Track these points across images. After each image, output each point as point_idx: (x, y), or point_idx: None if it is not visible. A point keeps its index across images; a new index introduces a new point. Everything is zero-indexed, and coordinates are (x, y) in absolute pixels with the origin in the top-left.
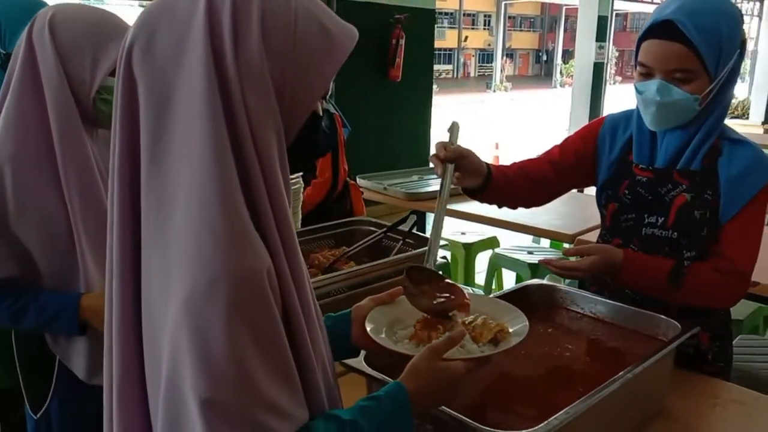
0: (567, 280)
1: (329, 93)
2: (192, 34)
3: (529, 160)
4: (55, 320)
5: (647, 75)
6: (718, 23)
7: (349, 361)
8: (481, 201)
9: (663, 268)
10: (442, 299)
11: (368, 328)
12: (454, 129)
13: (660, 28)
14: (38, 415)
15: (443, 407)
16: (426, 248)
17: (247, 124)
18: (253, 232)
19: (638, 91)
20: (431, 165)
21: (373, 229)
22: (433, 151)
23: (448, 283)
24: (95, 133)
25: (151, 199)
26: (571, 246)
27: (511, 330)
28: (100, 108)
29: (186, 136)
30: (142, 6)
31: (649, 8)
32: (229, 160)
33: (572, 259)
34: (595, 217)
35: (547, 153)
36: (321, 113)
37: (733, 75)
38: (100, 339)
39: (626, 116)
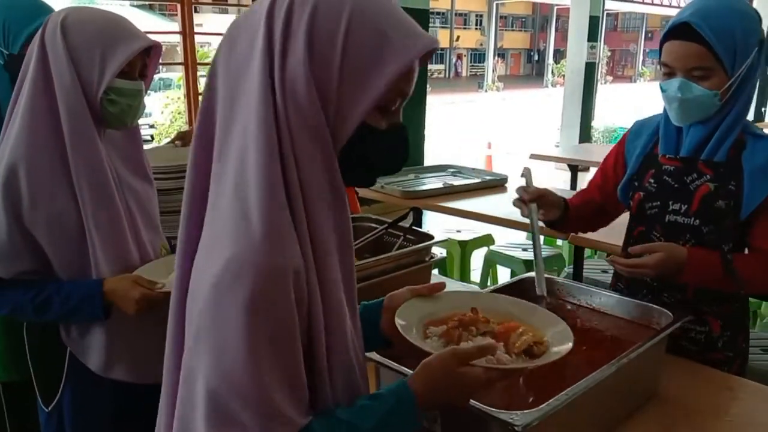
0: (563, 272)
1: (401, 103)
2: (256, 41)
3: (586, 189)
4: (80, 307)
5: (670, 74)
6: (732, 23)
7: None
8: (561, 231)
9: (719, 263)
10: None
11: (397, 321)
12: (527, 174)
13: (678, 30)
14: (50, 408)
15: None
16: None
17: (288, 131)
18: (288, 231)
19: (662, 90)
20: (515, 207)
21: (374, 225)
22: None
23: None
24: (103, 132)
25: (213, 187)
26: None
27: (550, 344)
28: (107, 108)
29: (243, 134)
30: (134, 6)
31: (640, 8)
32: (275, 160)
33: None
34: None
35: (593, 179)
36: (384, 126)
37: (752, 71)
38: (116, 333)
39: (653, 118)
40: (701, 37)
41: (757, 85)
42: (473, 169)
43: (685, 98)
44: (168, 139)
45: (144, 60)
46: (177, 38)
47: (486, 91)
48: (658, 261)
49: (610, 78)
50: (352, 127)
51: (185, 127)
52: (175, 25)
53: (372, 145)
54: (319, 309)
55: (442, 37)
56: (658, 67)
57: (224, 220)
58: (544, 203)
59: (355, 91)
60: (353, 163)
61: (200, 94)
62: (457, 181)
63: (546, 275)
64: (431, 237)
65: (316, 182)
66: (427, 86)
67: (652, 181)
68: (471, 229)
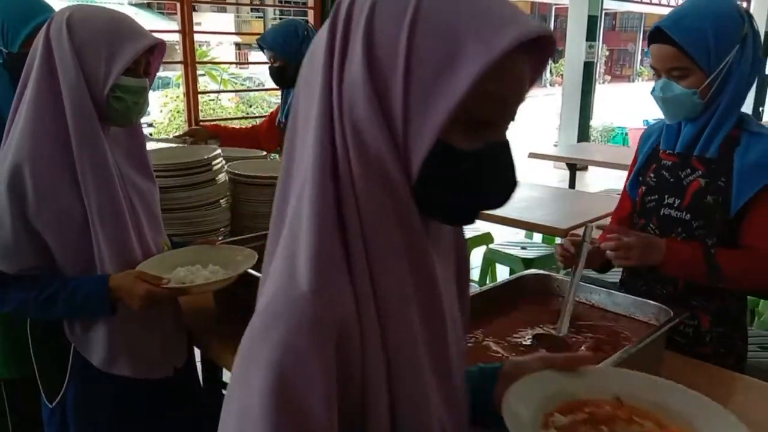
0: (562, 271)
1: (503, 115)
2: (322, 52)
3: (620, 207)
4: (85, 304)
5: (657, 76)
6: (703, 24)
7: None
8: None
9: (700, 255)
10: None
11: (504, 400)
12: (587, 231)
13: (655, 34)
14: (54, 404)
15: None
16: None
17: (344, 150)
18: (339, 280)
19: (652, 90)
20: (558, 259)
21: None
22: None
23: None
24: (107, 129)
25: (284, 207)
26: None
27: None
28: (114, 105)
29: (305, 152)
30: (132, 4)
31: (639, 8)
32: (328, 196)
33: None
34: (585, 212)
35: (623, 191)
36: (475, 146)
37: (735, 68)
38: (118, 328)
39: (663, 120)
40: (673, 38)
41: (754, 83)
42: None
43: (666, 97)
44: (171, 135)
45: (147, 58)
46: (176, 37)
47: None
48: (636, 238)
49: (608, 77)
50: (425, 147)
51: (184, 126)
52: (174, 24)
53: (457, 171)
54: (380, 376)
55: None
56: None
57: (281, 248)
58: (589, 259)
59: (425, 100)
60: (435, 194)
61: (199, 93)
62: None
63: (545, 272)
64: None
65: (381, 224)
66: None
67: (652, 175)
68: (470, 227)
